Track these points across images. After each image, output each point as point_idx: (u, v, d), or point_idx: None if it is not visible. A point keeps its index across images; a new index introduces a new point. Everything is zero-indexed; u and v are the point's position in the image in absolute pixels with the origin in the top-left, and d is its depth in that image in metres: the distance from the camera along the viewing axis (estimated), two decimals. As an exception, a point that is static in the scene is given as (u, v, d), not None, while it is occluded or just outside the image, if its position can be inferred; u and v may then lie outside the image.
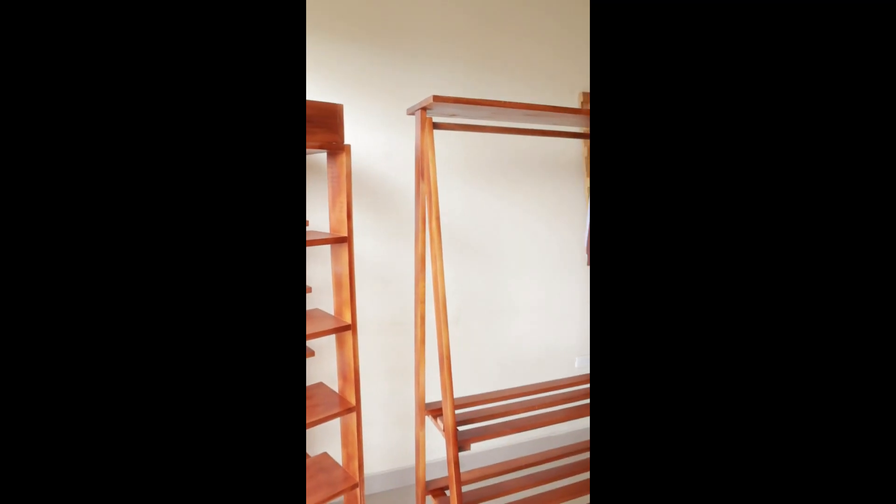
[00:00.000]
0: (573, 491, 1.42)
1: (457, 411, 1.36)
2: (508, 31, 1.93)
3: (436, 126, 1.29)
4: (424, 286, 1.31)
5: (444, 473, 1.86)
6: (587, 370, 2.17)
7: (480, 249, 1.95)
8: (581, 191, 2.07)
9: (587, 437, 2.12)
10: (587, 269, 2.11)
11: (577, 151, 2.06)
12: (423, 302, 1.31)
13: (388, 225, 1.78)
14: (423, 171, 1.26)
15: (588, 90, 2.06)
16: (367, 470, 1.82)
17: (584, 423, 2.21)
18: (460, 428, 1.28)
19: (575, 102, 2.04)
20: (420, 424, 1.35)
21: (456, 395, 1.73)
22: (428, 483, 1.40)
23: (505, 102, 1.23)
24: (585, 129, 1.90)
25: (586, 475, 1.50)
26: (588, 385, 1.57)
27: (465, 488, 1.40)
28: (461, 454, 1.98)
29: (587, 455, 1.60)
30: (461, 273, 1.92)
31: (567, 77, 2.03)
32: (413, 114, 1.29)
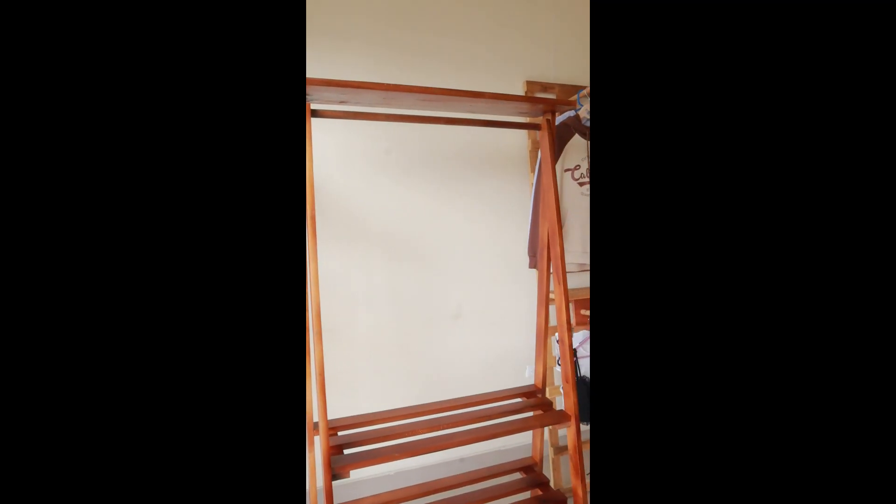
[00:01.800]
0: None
1: (349, 431, 1.23)
2: (449, 12, 1.79)
3: (315, 114, 1.16)
4: (307, 293, 1.17)
5: (349, 497, 1.72)
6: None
7: (416, 253, 1.80)
8: (526, 188, 1.91)
9: (517, 455, 1.95)
10: (534, 272, 1.95)
11: (522, 145, 1.91)
12: (307, 311, 1.18)
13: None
14: (303, 163, 1.13)
15: (532, 78, 1.90)
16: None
17: (512, 441, 2.05)
18: (347, 451, 1.14)
19: (519, 91, 1.88)
20: (309, 446, 1.21)
21: (377, 410, 1.58)
22: (322, 510, 1.27)
23: (393, 86, 1.09)
24: (517, 118, 1.75)
25: None
26: (516, 399, 1.42)
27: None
28: (357, 480, 1.84)
29: (498, 480, 1.44)
30: (394, 278, 1.78)
31: (511, 65, 1.88)
32: (296, 100, 1.15)
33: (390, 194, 1.75)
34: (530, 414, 1.35)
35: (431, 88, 1.12)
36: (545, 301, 1.42)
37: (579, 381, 1.78)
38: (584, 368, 1.80)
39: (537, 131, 1.96)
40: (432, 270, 1.84)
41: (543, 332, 1.43)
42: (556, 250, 1.32)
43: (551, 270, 1.38)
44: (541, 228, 1.42)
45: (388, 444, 1.15)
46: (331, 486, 1.04)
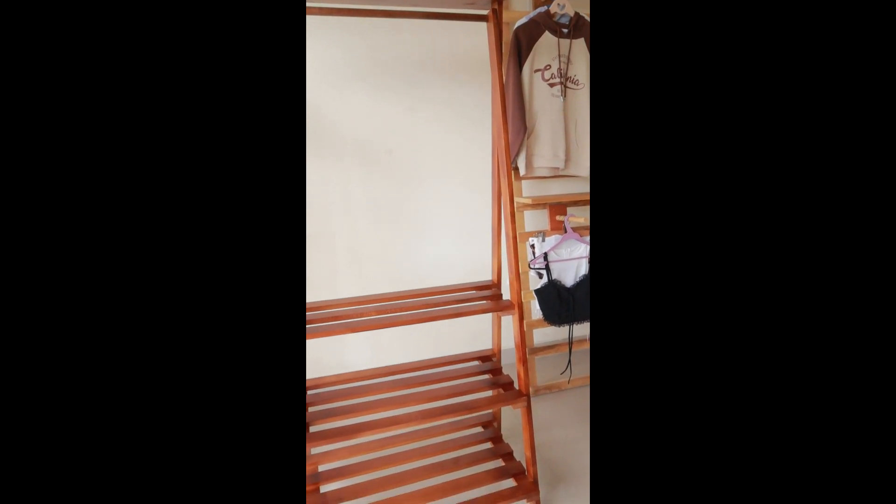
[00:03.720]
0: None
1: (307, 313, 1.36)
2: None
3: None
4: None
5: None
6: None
7: (388, 162, 1.86)
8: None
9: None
10: (513, 179, 1.97)
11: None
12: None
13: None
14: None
15: (506, -25, 1.82)
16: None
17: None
18: (301, 328, 1.27)
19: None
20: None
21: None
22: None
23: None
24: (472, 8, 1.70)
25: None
26: (470, 292, 1.50)
27: (320, 389, 1.43)
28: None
29: (456, 365, 1.56)
30: (369, 187, 1.85)
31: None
32: None
33: (361, 104, 1.79)
34: (481, 303, 1.43)
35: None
36: (498, 197, 1.46)
37: (549, 285, 1.84)
38: (556, 273, 1.85)
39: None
40: (407, 178, 1.89)
41: (497, 228, 1.48)
42: (500, 143, 1.34)
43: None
44: (492, 127, 1.43)
45: (336, 322, 1.27)
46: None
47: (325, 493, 1.40)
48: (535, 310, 1.95)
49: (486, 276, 2.06)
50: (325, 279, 1.88)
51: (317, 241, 1.84)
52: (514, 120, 1.69)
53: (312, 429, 1.30)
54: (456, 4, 1.33)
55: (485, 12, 1.33)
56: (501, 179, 1.36)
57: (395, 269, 1.95)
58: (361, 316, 1.31)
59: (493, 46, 1.32)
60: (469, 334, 2.11)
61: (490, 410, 1.77)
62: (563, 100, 1.73)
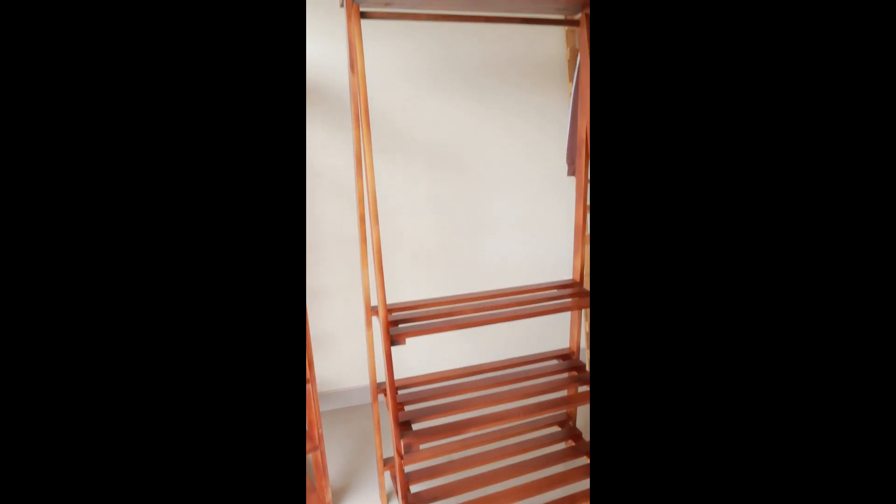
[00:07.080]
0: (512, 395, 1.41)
1: (399, 314, 1.37)
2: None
3: (364, 15, 1.22)
4: (363, 184, 1.28)
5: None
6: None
7: (457, 164, 1.88)
8: (564, 96, 1.92)
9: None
10: (573, 181, 2.00)
11: (559, 51, 1.90)
12: (363, 201, 1.29)
13: (347, 137, 1.75)
14: (352, 62, 1.21)
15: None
16: (350, 383, 1.89)
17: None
18: (402, 325, 1.28)
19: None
20: (367, 324, 1.36)
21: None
22: (380, 384, 1.44)
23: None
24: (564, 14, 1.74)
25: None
26: (553, 291, 1.52)
27: (411, 389, 1.44)
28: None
29: (535, 365, 1.57)
30: (438, 190, 1.87)
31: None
32: (343, 5, 1.22)
33: (431, 108, 1.81)
34: (567, 300, 1.45)
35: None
36: (584, 196, 1.48)
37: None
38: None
39: (575, 37, 1.94)
40: (474, 182, 1.92)
41: (581, 226, 1.50)
42: (584, 133, 1.37)
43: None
44: (579, 127, 1.46)
45: (438, 320, 1.28)
46: (389, 350, 1.19)
47: (418, 493, 1.40)
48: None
49: (553, 276, 2.08)
50: (399, 281, 1.89)
51: (387, 243, 1.85)
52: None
53: (415, 426, 1.30)
54: (546, 10, 1.36)
55: (577, 17, 1.37)
56: (589, 170, 1.39)
57: (460, 271, 1.97)
58: (458, 314, 1.33)
59: (586, 47, 1.35)
60: (540, 335, 2.14)
61: (564, 410, 1.78)
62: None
